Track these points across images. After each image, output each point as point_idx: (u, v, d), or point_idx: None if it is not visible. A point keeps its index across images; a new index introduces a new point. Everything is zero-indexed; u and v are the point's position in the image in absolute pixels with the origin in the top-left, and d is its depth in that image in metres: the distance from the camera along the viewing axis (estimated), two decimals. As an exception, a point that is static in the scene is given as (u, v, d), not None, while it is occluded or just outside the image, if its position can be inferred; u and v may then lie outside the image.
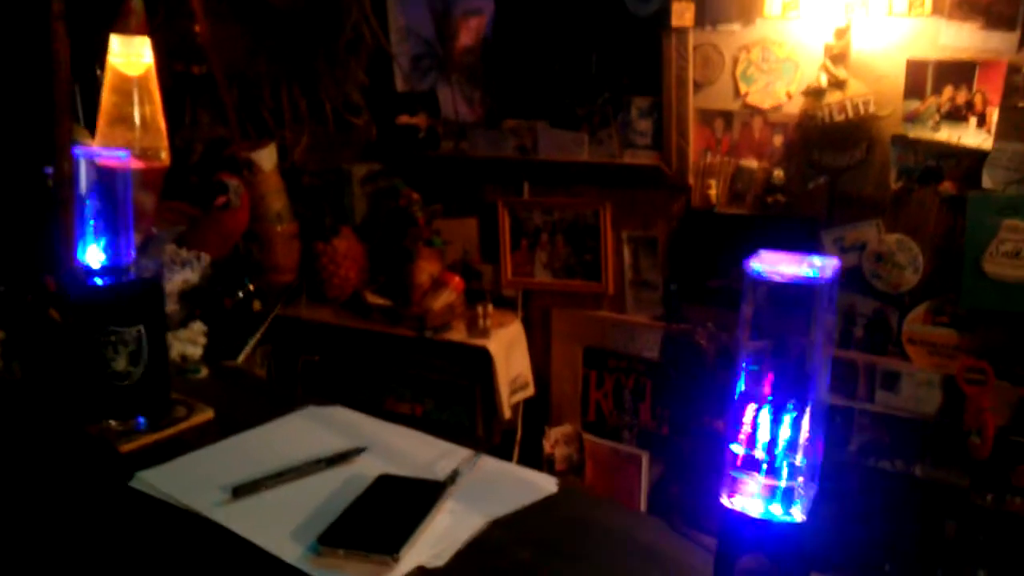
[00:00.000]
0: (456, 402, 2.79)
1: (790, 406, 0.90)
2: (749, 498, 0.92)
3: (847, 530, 2.43)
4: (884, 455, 2.40)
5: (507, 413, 2.77)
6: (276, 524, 1.14)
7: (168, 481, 1.26)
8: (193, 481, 1.26)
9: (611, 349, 2.83)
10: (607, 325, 2.84)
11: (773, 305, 0.90)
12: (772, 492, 0.91)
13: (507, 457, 2.30)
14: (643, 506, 2.80)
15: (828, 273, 0.88)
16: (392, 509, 1.15)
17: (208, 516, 1.17)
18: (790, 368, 0.90)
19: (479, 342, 2.72)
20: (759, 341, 0.91)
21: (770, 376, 0.91)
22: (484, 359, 2.71)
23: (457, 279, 2.86)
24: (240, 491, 1.21)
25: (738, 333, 0.91)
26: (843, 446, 2.44)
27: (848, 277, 2.39)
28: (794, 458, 0.91)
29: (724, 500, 0.93)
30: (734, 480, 0.93)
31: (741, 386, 0.91)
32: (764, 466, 0.91)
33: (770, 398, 0.91)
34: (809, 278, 0.88)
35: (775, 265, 0.89)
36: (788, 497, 0.91)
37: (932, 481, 2.35)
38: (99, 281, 1.42)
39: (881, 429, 2.40)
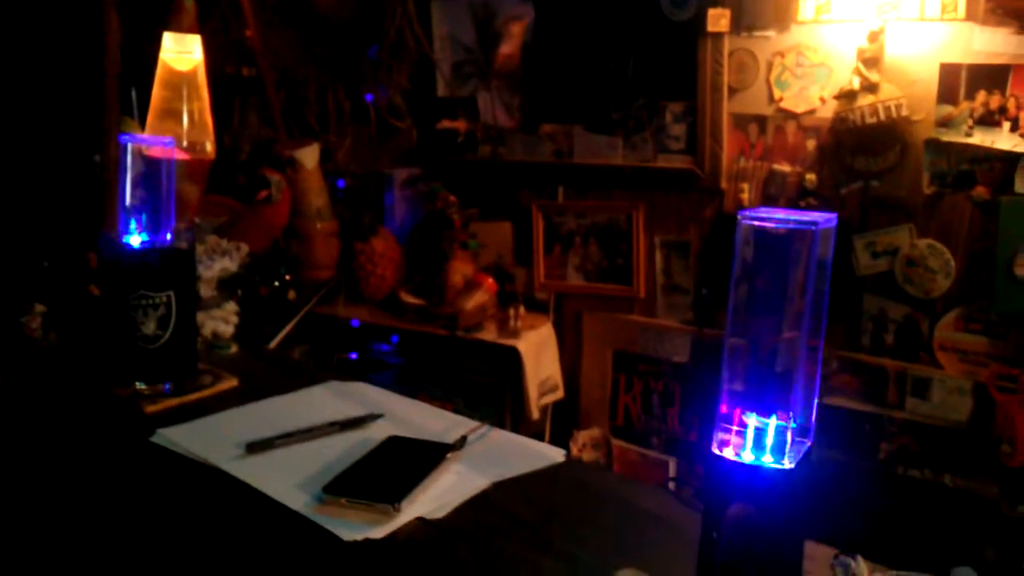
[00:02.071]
0: (486, 402, 2.80)
1: (780, 360, 0.92)
2: (738, 448, 0.93)
3: (872, 539, 2.39)
4: (913, 463, 2.37)
5: (535, 414, 2.78)
6: (286, 477, 1.17)
7: (187, 438, 1.30)
8: (211, 438, 1.30)
9: (641, 353, 2.84)
10: (637, 329, 2.85)
11: (765, 258, 0.92)
12: (761, 442, 0.92)
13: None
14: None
15: (819, 221, 0.90)
16: (397, 465, 1.18)
17: (222, 468, 1.21)
18: (780, 320, 0.92)
19: (509, 342, 2.74)
20: (749, 290, 0.92)
21: (760, 330, 0.92)
22: (514, 359, 2.73)
23: (490, 281, 2.89)
24: (254, 447, 1.25)
25: (730, 284, 0.93)
26: (872, 453, 2.41)
27: (880, 282, 2.37)
28: (785, 412, 0.92)
29: (714, 449, 0.94)
30: (725, 432, 0.94)
31: (731, 340, 0.93)
32: (754, 419, 0.93)
33: (760, 353, 0.92)
34: (799, 223, 0.89)
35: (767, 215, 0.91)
36: (777, 448, 0.92)
37: (962, 490, 2.31)
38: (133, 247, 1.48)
39: (911, 436, 2.37)
